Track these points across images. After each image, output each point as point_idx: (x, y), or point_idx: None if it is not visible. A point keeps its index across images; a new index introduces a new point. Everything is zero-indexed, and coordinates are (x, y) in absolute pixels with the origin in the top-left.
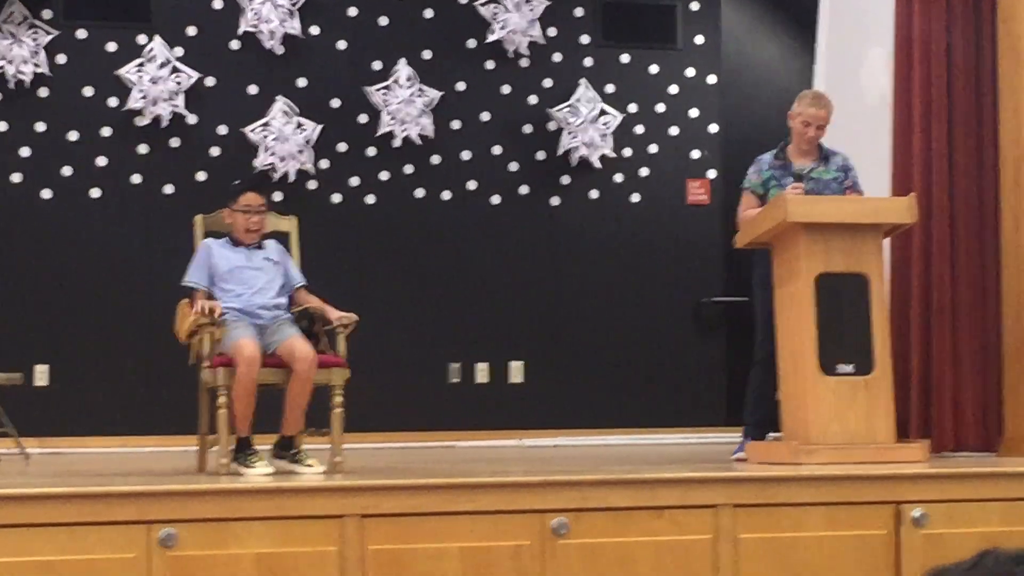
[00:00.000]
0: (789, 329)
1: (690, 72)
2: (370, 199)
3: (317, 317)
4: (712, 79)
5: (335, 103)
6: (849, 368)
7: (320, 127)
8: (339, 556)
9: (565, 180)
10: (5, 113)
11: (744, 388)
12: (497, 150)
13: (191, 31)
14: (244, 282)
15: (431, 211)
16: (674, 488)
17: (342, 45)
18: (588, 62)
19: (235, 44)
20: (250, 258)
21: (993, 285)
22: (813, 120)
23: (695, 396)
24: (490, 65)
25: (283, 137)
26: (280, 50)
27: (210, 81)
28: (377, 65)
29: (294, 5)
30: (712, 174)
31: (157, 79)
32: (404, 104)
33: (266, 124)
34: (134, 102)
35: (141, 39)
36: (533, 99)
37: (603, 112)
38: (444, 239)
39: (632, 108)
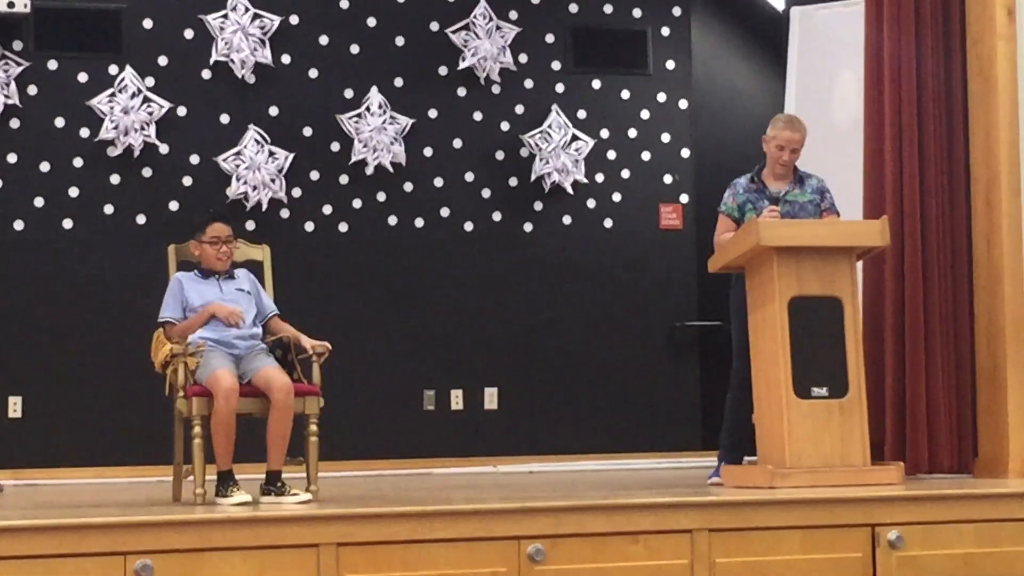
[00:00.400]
0: (763, 353)
1: (661, 97)
2: (343, 227)
3: (291, 346)
4: (684, 104)
5: (307, 131)
6: (823, 391)
7: (292, 155)
8: None
9: (538, 206)
10: None
11: (719, 412)
12: (469, 177)
13: (162, 61)
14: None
15: (404, 238)
16: (649, 513)
17: (313, 73)
18: (559, 88)
19: (206, 73)
20: (222, 290)
21: (965, 307)
22: (787, 143)
23: (670, 421)
24: (461, 92)
25: (255, 166)
26: (251, 79)
27: (182, 111)
28: (349, 93)
29: (265, 34)
30: (685, 199)
31: (128, 109)
32: (376, 132)
33: (238, 153)
34: (106, 132)
35: (112, 69)
36: (505, 125)
37: (575, 138)
38: (417, 266)
39: (604, 134)
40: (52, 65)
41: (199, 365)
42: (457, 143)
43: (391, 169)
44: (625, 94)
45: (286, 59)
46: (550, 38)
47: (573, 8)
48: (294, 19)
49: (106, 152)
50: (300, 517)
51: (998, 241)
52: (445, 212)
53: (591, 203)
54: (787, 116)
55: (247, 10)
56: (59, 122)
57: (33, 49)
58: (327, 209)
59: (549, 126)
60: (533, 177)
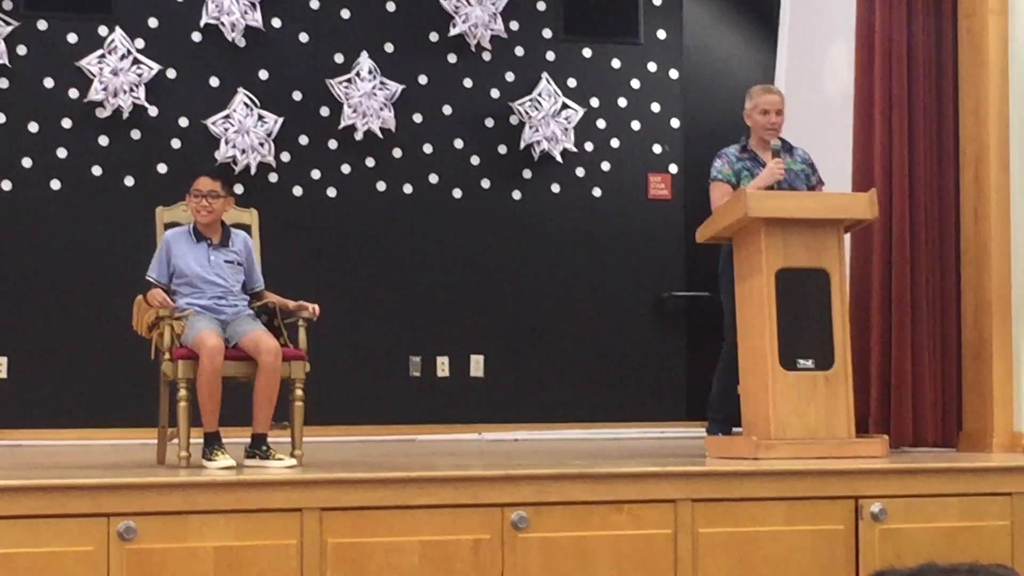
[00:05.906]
0: (749, 324)
1: (652, 67)
2: (331, 192)
3: (277, 311)
4: (674, 74)
5: (297, 96)
6: (809, 363)
7: (281, 120)
8: (299, 549)
9: (527, 174)
10: None
11: (705, 382)
12: (459, 144)
13: (152, 23)
14: (203, 285)
15: (393, 204)
16: (634, 482)
17: (304, 38)
18: (550, 56)
19: (196, 36)
20: (210, 259)
21: (953, 281)
22: (771, 106)
23: (655, 391)
24: (452, 58)
25: (244, 130)
26: (242, 42)
27: (171, 73)
28: (339, 58)
29: None
30: (674, 169)
31: (118, 70)
32: (366, 97)
33: (227, 116)
34: (95, 94)
35: (102, 30)
36: (495, 93)
37: (565, 106)
38: (405, 232)
39: (594, 102)
40: (42, 25)
41: (185, 329)
42: (447, 110)
43: (380, 135)
44: (616, 63)
45: (276, 23)
46: (541, 6)
47: None
48: None
49: (95, 113)
50: (284, 481)
51: (986, 215)
52: (434, 179)
53: (580, 172)
54: (760, 84)
55: None
56: (48, 83)
57: (23, 9)
58: (316, 174)
59: (539, 94)
60: (522, 145)
